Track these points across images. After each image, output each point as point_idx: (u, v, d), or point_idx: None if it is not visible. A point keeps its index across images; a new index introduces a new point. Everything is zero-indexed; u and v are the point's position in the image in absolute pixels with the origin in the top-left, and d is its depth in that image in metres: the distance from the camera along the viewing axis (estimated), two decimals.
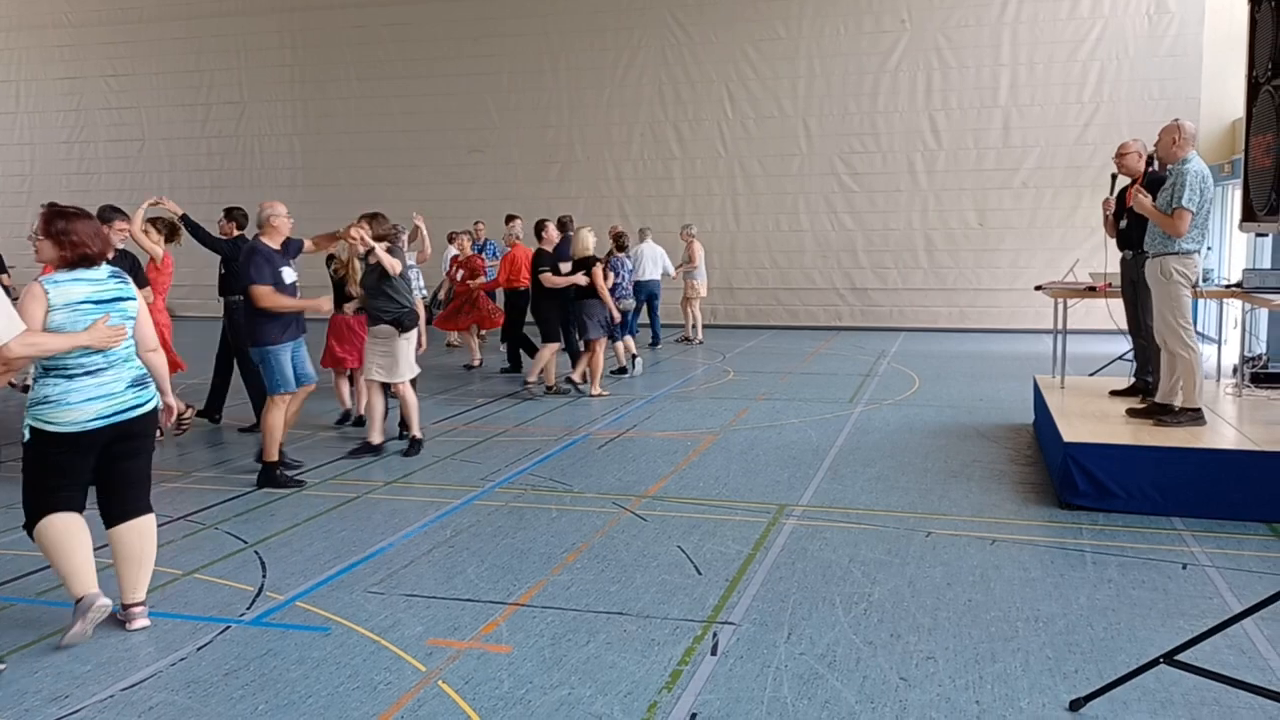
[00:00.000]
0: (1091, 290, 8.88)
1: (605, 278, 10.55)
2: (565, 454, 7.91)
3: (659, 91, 18.37)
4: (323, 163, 20.11)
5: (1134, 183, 7.21)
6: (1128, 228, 7.55)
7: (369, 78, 19.76)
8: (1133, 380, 8.01)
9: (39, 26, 21.68)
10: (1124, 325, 8.13)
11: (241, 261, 7.09)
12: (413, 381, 8.09)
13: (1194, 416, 6.60)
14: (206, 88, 20.83)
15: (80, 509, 4.32)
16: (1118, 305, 8.17)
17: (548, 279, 10.31)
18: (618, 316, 10.75)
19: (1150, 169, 7.49)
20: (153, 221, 8.46)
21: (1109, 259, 8.32)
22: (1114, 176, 7.81)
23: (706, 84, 18.11)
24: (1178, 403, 6.69)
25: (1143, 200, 6.71)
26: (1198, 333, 14.32)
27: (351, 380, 9.15)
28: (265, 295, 6.80)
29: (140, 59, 21.12)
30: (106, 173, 20.98)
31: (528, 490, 6.80)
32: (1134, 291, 7.60)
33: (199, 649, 4.22)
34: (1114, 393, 7.96)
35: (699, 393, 10.83)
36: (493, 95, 19.09)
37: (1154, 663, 3.52)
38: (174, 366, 8.06)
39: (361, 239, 7.60)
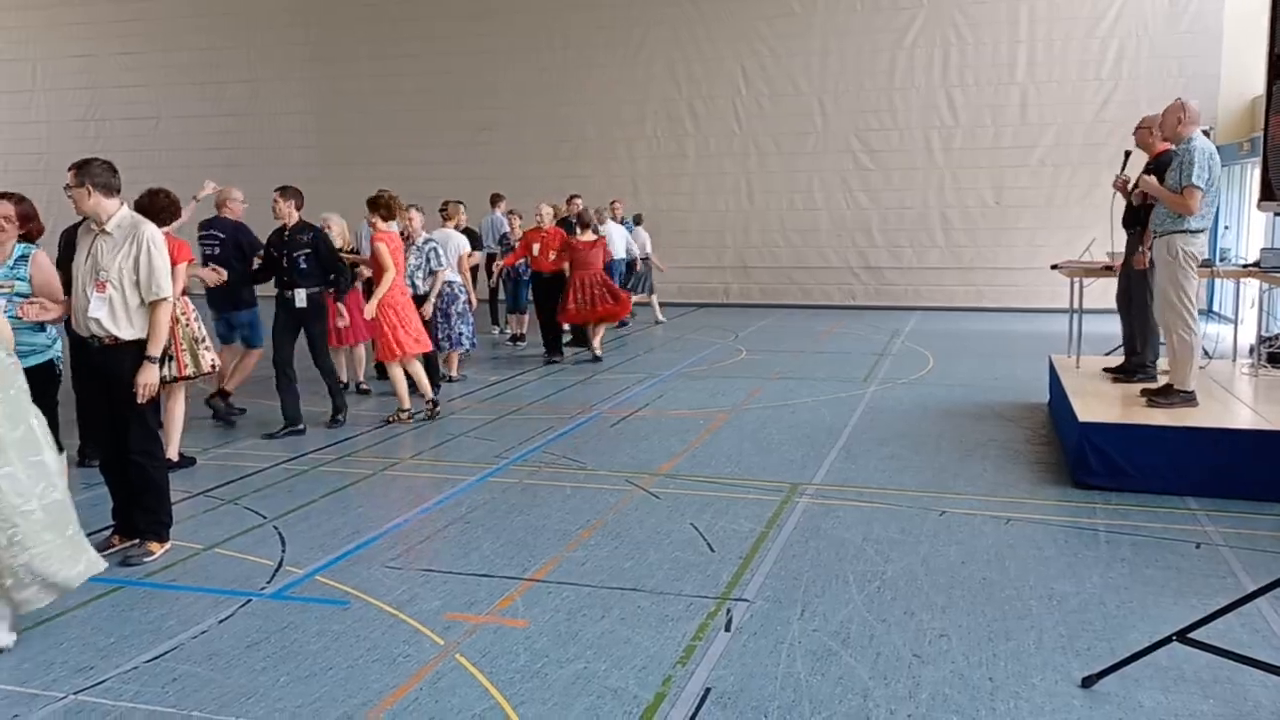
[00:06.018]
0: (1108, 269, 8.82)
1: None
2: (578, 432, 7.94)
3: (671, 69, 18.25)
4: (336, 141, 20.09)
5: (1148, 166, 7.14)
6: (1131, 207, 7.49)
7: (381, 56, 19.69)
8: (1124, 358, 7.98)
9: (51, 5, 21.68)
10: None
11: None
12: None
13: (1186, 398, 6.54)
14: (219, 66, 20.81)
15: None
16: None
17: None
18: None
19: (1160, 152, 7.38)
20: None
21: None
22: (1128, 153, 7.74)
23: (719, 61, 17.99)
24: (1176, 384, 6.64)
25: (1150, 180, 6.65)
26: (1215, 312, 14.05)
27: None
28: None
29: (152, 37, 21.10)
30: (121, 150, 20.70)
31: (541, 468, 6.84)
32: (1129, 271, 7.57)
33: (221, 622, 4.29)
34: (1107, 370, 7.91)
35: (711, 371, 10.85)
36: (504, 73, 19.01)
37: (1166, 640, 3.54)
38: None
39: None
